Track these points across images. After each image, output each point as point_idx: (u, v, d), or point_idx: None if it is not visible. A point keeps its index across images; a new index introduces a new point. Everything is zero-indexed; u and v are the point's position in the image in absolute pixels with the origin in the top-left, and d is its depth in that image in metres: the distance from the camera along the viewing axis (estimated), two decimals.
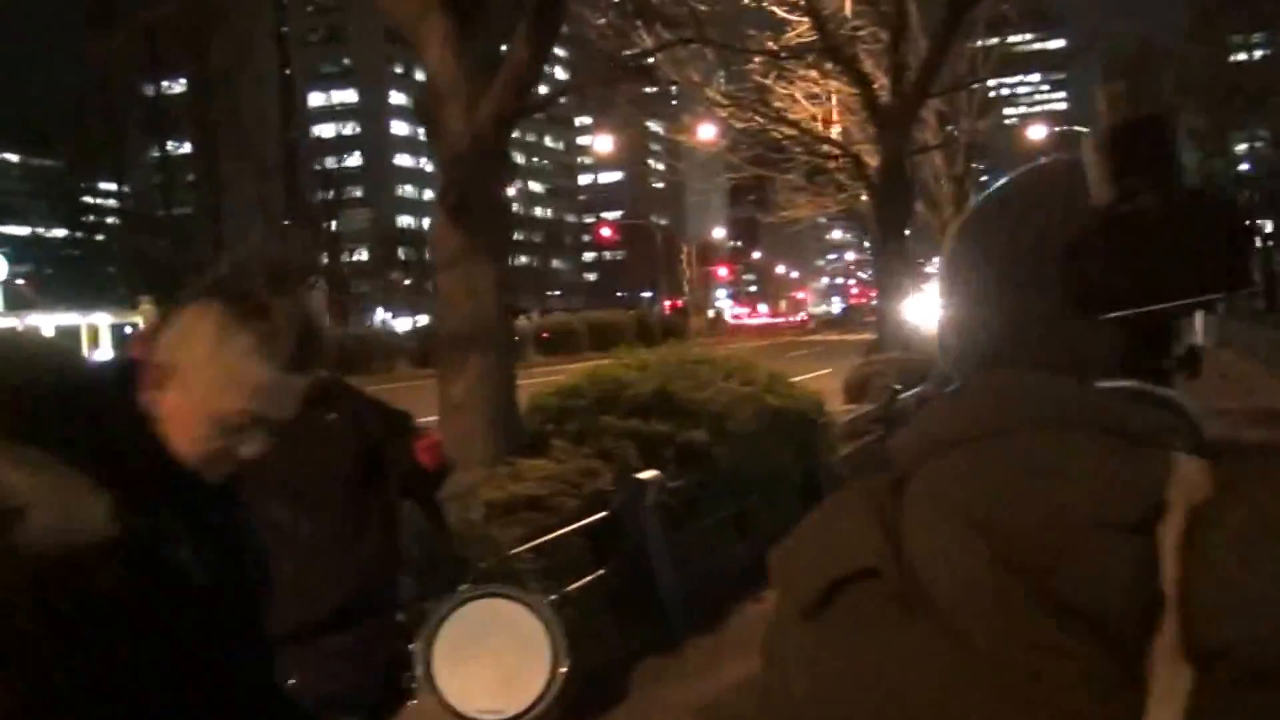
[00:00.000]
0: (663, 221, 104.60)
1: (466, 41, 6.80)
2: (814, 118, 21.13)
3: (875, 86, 19.05)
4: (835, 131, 21.29)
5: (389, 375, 31.64)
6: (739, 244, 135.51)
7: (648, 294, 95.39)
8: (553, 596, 4.58)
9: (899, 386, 13.80)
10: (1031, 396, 0.89)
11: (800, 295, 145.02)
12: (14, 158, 64.02)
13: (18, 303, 39.85)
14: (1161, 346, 0.92)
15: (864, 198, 21.73)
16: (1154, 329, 0.91)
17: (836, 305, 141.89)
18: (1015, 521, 0.81)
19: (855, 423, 12.78)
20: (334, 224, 70.47)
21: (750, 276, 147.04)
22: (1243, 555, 0.77)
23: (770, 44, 20.26)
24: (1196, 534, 0.78)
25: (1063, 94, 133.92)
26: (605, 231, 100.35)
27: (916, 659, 0.83)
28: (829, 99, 21.07)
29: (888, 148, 18.32)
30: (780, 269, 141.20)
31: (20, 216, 61.17)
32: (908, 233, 21.41)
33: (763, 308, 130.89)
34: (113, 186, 62.14)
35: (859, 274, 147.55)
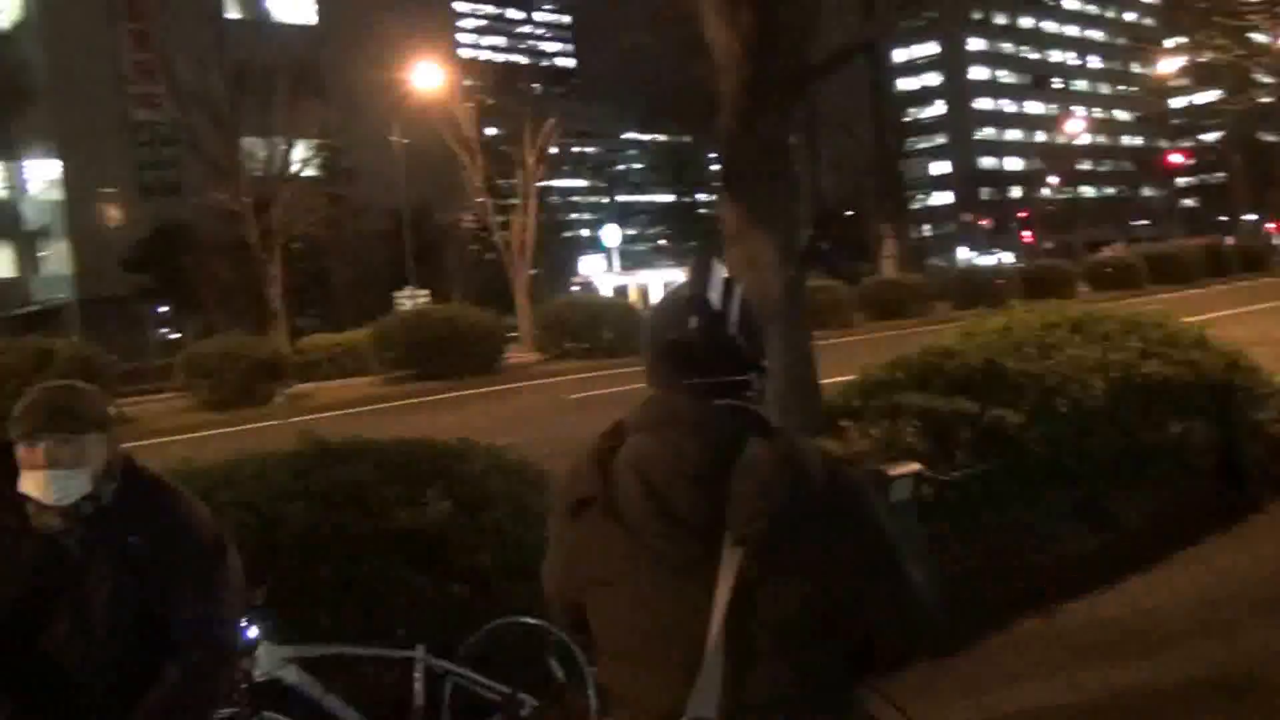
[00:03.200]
0: (1272, 138, 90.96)
1: (736, 10, 6.17)
2: None
3: None
4: None
5: (923, 318, 30.14)
6: None
7: (1251, 217, 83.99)
8: None
9: None
10: (671, 409, 1.76)
11: None
12: (636, 136, 70.79)
13: (634, 262, 44.52)
14: (743, 388, 1.78)
15: None
16: (734, 383, 1.77)
17: None
18: (654, 473, 1.69)
19: None
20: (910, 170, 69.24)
21: None
22: (750, 483, 1.65)
23: None
24: (738, 476, 1.66)
25: None
26: (1176, 158, 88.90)
27: (609, 543, 1.72)
28: None
29: None
30: None
31: (638, 187, 68.27)
32: None
33: None
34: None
35: None
